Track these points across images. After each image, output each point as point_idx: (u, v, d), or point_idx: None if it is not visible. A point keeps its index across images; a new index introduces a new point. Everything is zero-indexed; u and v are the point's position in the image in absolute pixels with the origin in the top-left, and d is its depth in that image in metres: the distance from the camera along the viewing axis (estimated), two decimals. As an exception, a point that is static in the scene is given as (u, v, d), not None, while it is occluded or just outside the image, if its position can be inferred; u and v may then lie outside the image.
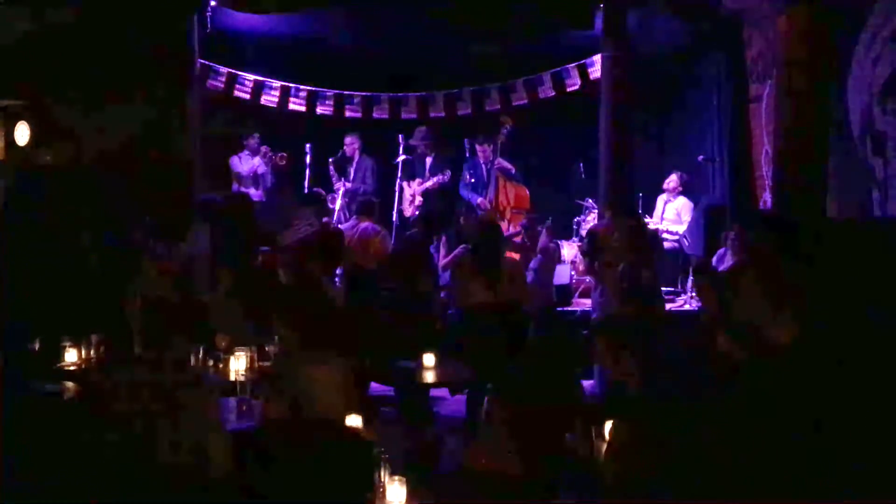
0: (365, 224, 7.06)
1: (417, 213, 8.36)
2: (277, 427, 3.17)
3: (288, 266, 5.40)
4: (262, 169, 8.79)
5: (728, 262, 6.94)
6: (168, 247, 5.75)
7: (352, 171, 8.82)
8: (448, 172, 8.68)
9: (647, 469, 2.97)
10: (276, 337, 4.81)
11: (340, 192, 8.73)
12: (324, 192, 8.54)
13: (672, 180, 8.41)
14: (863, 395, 3.35)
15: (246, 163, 8.85)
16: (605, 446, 3.56)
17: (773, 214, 6.35)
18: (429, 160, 8.77)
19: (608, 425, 3.69)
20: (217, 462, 3.08)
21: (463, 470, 3.12)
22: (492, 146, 8.51)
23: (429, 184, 8.67)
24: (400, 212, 8.77)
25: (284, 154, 8.80)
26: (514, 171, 8.64)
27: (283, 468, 2.65)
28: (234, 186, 8.88)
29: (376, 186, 8.82)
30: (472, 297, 5.94)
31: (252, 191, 8.77)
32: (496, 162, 8.51)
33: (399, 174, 8.78)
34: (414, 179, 8.78)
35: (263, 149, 8.78)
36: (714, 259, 7.03)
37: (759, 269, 3.41)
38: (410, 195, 8.74)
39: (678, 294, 7.93)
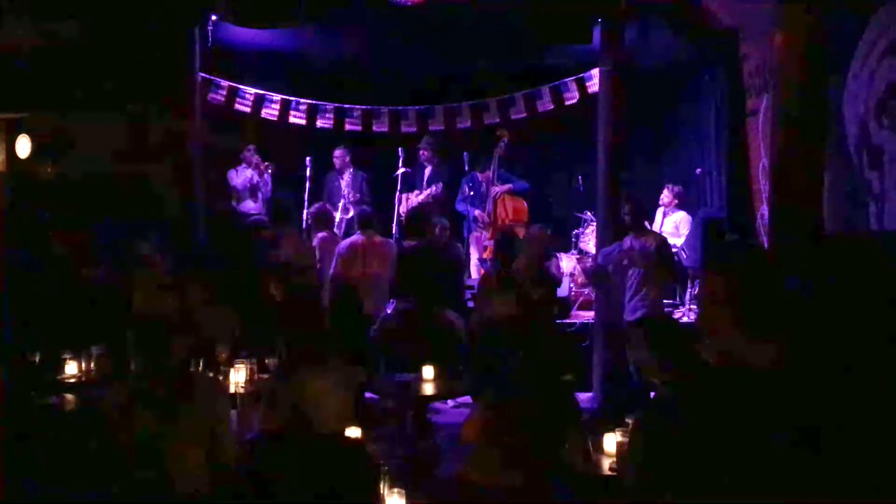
0: (378, 238, 7.14)
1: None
2: (277, 438, 3.18)
3: (282, 281, 5.40)
4: (256, 179, 8.83)
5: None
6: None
7: (343, 183, 8.86)
8: (440, 185, 8.72)
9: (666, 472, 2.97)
10: (276, 350, 4.84)
11: (340, 206, 8.77)
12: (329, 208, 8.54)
13: (665, 195, 8.45)
14: (859, 410, 3.37)
15: (241, 175, 8.89)
16: (612, 454, 3.58)
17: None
18: (427, 171, 8.83)
19: (607, 437, 3.72)
20: (225, 461, 3.10)
21: (460, 481, 3.13)
22: (492, 171, 8.56)
23: (422, 196, 8.73)
24: (399, 224, 8.81)
25: (268, 163, 8.84)
26: (512, 186, 8.68)
27: (283, 479, 2.67)
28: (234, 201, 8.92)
29: (372, 198, 8.90)
30: (498, 310, 6.02)
31: (250, 203, 8.80)
32: (494, 191, 8.55)
33: (399, 186, 8.83)
34: (412, 191, 8.83)
35: (255, 160, 8.83)
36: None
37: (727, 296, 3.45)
38: (407, 207, 8.79)
39: (676, 306, 7.96)
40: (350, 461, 2.88)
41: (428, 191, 8.70)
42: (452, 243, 7.63)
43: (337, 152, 8.89)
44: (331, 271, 6.96)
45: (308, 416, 3.53)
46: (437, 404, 6.35)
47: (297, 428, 3.43)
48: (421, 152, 8.81)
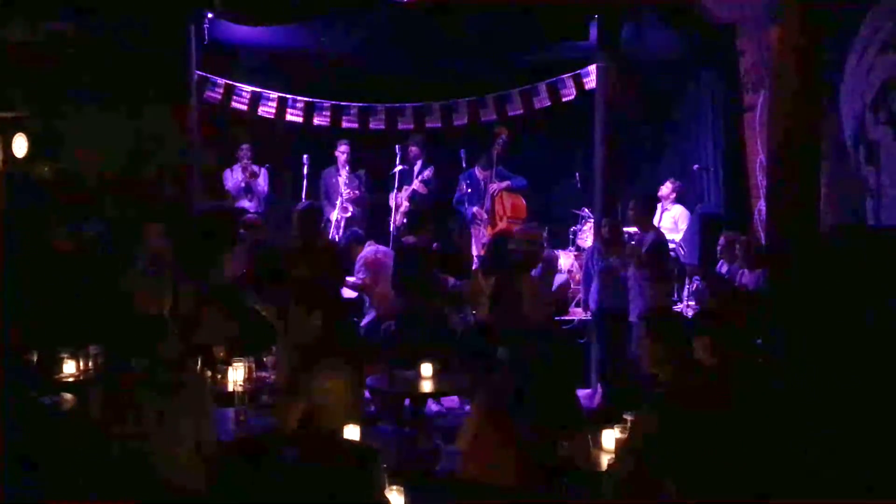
0: (383, 248, 7.18)
1: (405, 220, 8.40)
2: (288, 435, 3.19)
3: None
4: (245, 182, 8.76)
5: (722, 270, 7.01)
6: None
7: (341, 180, 8.83)
8: (431, 167, 8.70)
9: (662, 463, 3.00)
10: (273, 348, 4.85)
11: (338, 204, 8.74)
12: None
13: (666, 188, 8.45)
14: (858, 400, 3.38)
15: (234, 176, 8.84)
16: (613, 446, 3.59)
17: None
18: (417, 167, 8.82)
19: (606, 433, 3.72)
20: (208, 452, 3.11)
21: (458, 479, 3.14)
22: (491, 170, 8.56)
23: (414, 185, 8.71)
24: (396, 222, 8.79)
25: (255, 169, 8.74)
26: (511, 183, 8.68)
27: (295, 476, 2.67)
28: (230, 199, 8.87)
29: (369, 197, 8.90)
30: (484, 311, 6.02)
31: (245, 203, 8.74)
32: (492, 188, 8.56)
33: (396, 184, 8.82)
34: (402, 189, 8.80)
35: (244, 161, 8.74)
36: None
37: None
38: (398, 203, 8.77)
39: (674, 302, 7.94)
40: (352, 459, 2.89)
41: (418, 179, 8.69)
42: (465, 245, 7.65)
43: (341, 147, 8.85)
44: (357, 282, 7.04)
45: (318, 414, 3.55)
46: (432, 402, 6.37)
47: (309, 426, 3.45)
48: (411, 149, 8.81)
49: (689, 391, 3.24)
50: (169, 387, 3.16)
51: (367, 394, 5.46)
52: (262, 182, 8.83)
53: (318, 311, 3.85)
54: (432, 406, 6.38)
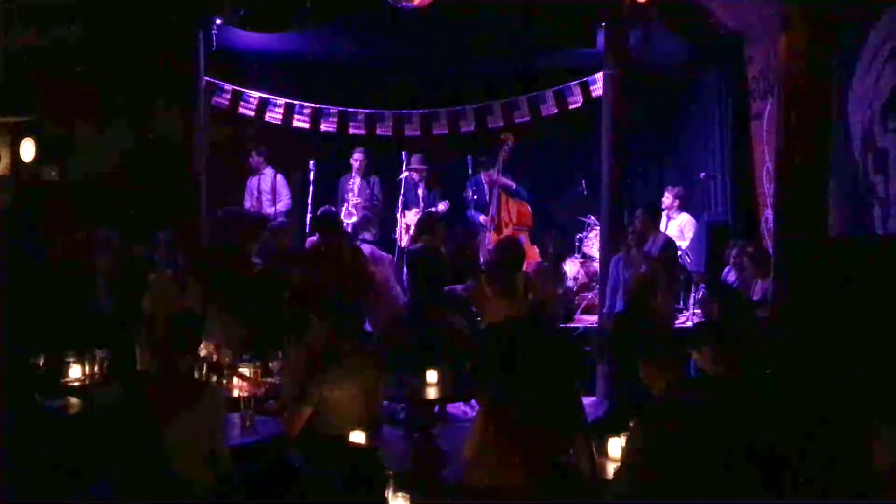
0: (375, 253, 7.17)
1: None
2: (301, 439, 3.19)
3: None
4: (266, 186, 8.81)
5: (732, 278, 6.99)
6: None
7: (355, 186, 8.82)
8: (446, 202, 8.69)
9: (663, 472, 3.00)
10: (280, 353, 4.84)
11: (344, 210, 8.73)
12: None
13: (667, 198, 8.43)
14: (866, 409, 3.36)
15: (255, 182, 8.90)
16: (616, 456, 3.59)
17: None
18: (420, 190, 8.78)
19: (612, 441, 3.71)
20: (222, 467, 3.11)
21: (463, 485, 3.14)
22: (496, 170, 8.56)
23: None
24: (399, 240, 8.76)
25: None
26: (514, 186, 8.67)
27: (293, 481, 2.67)
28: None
29: (382, 205, 8.89)
30: (496, 315, 6.01)
31: (269, 210, 8.74)
32: (496, 179, 8.55)
33: (402, 190, 8.82)
34: (409, 209, 8.76)
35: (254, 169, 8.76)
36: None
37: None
38: (405, 225, 8.72)
39: (680, 310, 7.93)
40: (359, 464, 2.88)
41: (433, 210, 8.63)
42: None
43: (356, 154, 8.83)
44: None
45: (329, 419, 3.55)
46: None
47: (316, 431, 3.45)
48: (409, 175, 8.75)
49: (682, 403, 3.26)
50: (181, 393, 3.16)
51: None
52: (267, 186, 8.84)
53: (328, 313, 3.85)
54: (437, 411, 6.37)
